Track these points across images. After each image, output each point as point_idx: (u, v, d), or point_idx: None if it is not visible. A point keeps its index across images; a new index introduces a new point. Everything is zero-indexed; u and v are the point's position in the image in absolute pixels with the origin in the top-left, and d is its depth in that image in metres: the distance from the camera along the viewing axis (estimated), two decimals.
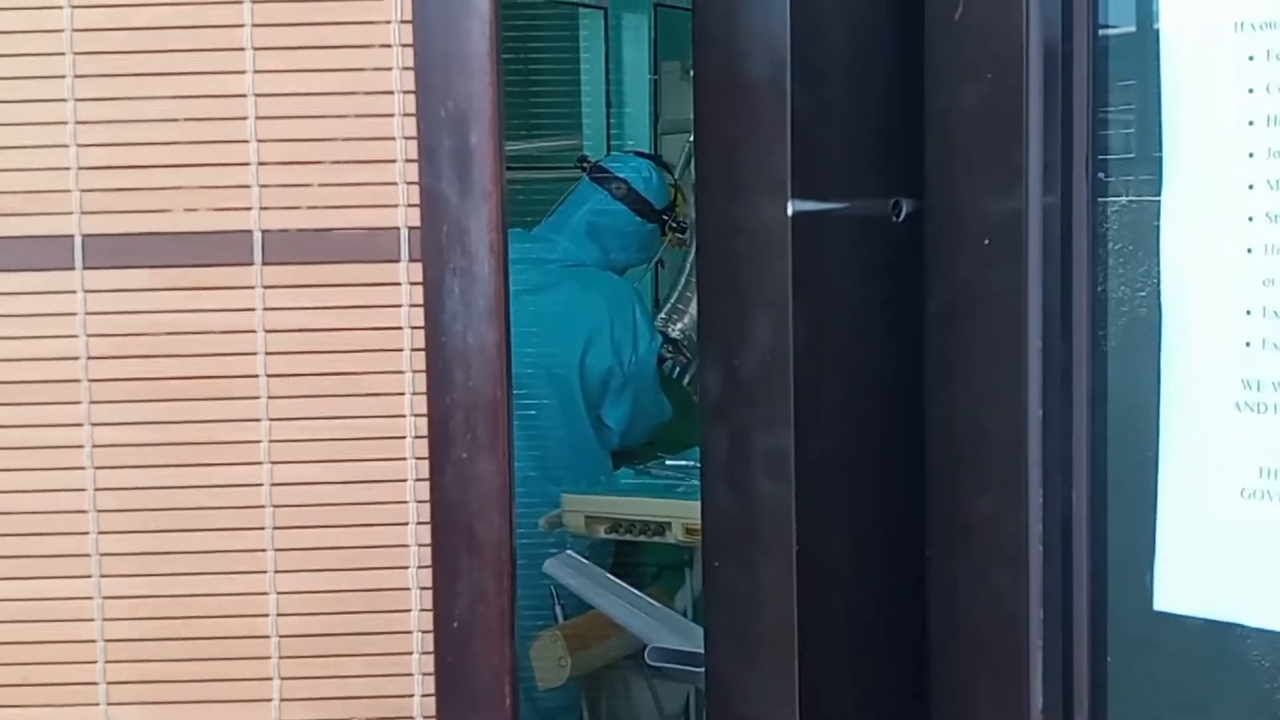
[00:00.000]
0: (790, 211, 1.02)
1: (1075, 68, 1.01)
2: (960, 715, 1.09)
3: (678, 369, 3.24)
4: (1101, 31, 1.00)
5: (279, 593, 1.12)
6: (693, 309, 3.16)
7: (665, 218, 2.98)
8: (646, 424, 2.96)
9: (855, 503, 1.08)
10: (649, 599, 2.24)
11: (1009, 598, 1.04)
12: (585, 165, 3.09)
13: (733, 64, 1.05)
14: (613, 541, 2.78)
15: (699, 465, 2.90)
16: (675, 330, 3.18)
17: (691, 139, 3.89)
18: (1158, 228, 0.97)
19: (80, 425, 1.11)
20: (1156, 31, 0.95)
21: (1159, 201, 0.97)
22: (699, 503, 2.81)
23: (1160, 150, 0.96)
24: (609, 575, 2.34)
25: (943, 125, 1.06)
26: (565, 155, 3.85)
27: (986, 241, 1.04)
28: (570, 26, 3.91)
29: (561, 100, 3.85)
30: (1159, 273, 0.97)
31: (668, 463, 2.91)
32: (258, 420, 1.11)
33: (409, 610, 1.12)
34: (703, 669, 1.86)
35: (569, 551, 2.42)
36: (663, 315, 3.24)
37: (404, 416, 1.11)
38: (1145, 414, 0.99)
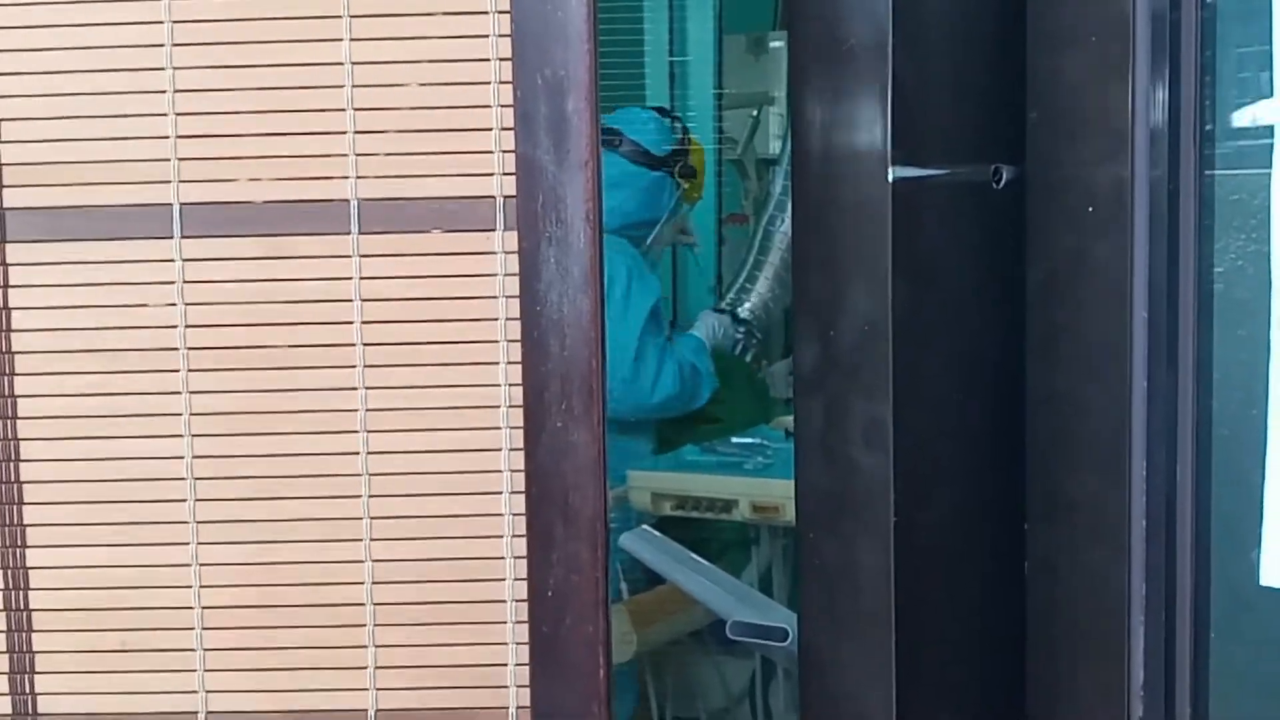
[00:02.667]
0: (891, 178, 1.00)
1: (1184, 30, 0.99)
2: (1058, 691, 1.07)
3: (742, 347, 3.21)
4: None
5: (374, 561, 1.12)
6: (760, 287, 3.14)
7: (669, 165, 2.91)
8: (639, 388, 2.85)
9: (954, 476, 1.07)
10: (727, 575, 2.23)
11: (1111, 573, 1.03)
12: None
13: (832, 29, 1.03)
14: (669, 521, 2.76)
15: (765, 443, 2.87)
16: (744, 310, 3.16)
17: (755, 112, 3.87)
18: (1268, 196, 0.94)
19: (178, 393, 1.11)
20: None
21: (1269, 172, 0.94)
22: (766, 480, 2.78)
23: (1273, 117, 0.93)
24: (686, 550, 2.33)
25: (1045, 90, 1.04)
26: None
27: (1090, 209, 1.02)
28: (635, 1, 3.89)
29: (625, 74, 3.83)
30: (1269, 241, 0.94)
31: (734, 440, 2.89)
32: (354, 389, 1.11)
33: (503, 580, 1.12)
34: (783, 643, 1.86)
35: (645, 526, 2.41)
36: (730, 296, 3.21)
37: (499, 386, 1.11)
38: (1253, 384, 0.96)
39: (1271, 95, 0.93)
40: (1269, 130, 0.94)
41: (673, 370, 2.85)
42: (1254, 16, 0.94)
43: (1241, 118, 0.98)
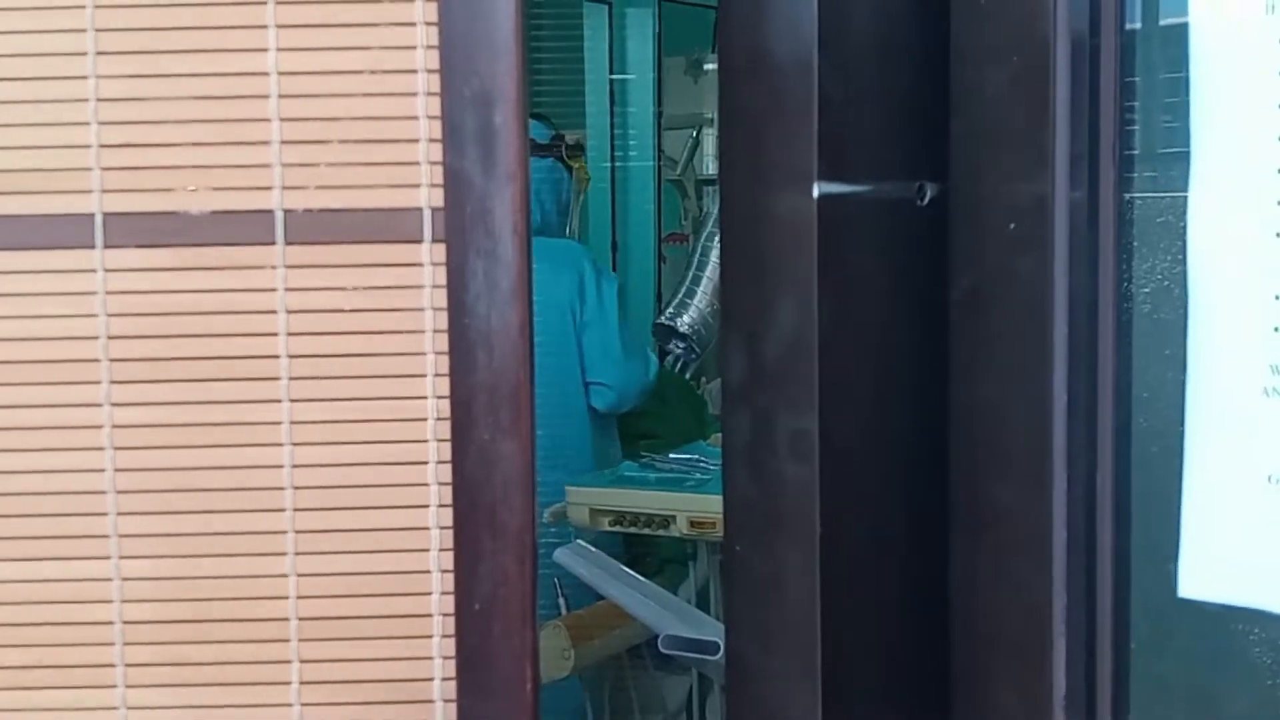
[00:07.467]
0: (816, 194, 1.02)
1: (1103, 48, 1.01)
2: (982, 702, 1.08)
3: (681, 364, 3.23)
4: (1130, 12, 1.00)
5: (299, 575, 1.11)
6: (699, 303, 3.16)
7: (554, 151, 2.96)
8: (633, 370, 2.90)
9: (878, 487, 1.08)
10: (661, 589, 2.24)
11: (1032, 584, 1.04)
12: None
13: (759, 45, 1.04)
14: (617, 536, 2.78)
15: (703, 460, 2.90)
16: (683, 325, 3.18)
17: (694, 133, 3.90)
18: (1185, 213, 0.96)
19: (100, 405, 1.10)
20: (1185, 19, 0.95)
21: (1188, 188, 0.96)
22: (704, 495, 2.81)
23: (1188, 136, 0.95)
24: (620, 565, 2.34)
25: (968, 107, 1.05)
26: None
27: (1012, 225, 1.04)
28: (575, 21, 3.91)
29: (565, 94, 3.85)
30: (1185, 258, 0.96)
31: (672, 455, 2.91)
32: (279, 401, 1.10)
33: (430, 593, 1.12)
34: (715, 656, 1.87)
35: (579, 541, 2.42)
36: (670, 311, 3.23)
37: (426, 398, 1.10)
38: (1170, 400, 0.98)
39: (1189, 120, 0.95)
40: (1186, 154, 0.96)
41: (648, 346, 2.89)
42: (1172, 42, 0.97)
43: (1160, 141, 1.00)
